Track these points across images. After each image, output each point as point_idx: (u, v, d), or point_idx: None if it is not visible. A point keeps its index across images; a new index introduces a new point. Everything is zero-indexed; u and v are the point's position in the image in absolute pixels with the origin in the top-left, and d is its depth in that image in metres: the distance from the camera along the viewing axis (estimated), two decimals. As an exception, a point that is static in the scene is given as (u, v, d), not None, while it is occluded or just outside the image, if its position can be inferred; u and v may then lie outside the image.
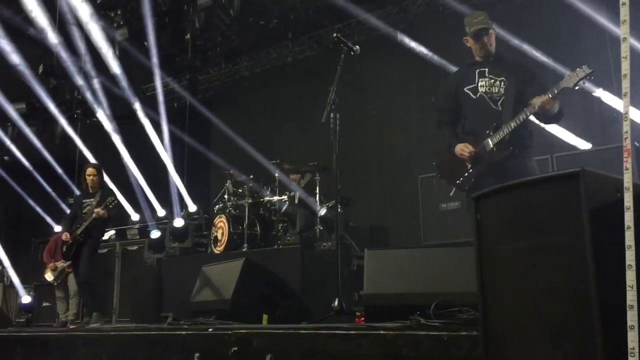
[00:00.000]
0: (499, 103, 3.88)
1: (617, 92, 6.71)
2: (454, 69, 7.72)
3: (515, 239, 1.67)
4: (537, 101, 3.65)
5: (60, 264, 7.61)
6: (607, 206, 1.50)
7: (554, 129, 6.94)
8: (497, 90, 3.90)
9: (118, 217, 6.98)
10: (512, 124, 3.76)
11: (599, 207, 1.48)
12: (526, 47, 6.97)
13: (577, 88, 3.57)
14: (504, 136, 3.78)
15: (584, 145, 6.80)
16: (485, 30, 3.97)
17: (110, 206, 6.42)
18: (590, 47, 6.87)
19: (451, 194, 4.14)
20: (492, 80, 3.93)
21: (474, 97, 3.97)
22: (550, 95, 3.63)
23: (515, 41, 6.98)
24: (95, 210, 6.43)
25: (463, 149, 3.93)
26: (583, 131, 6.86)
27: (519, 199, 1.68)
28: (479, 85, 3.96)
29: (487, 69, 3.97)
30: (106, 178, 7.23)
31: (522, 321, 1.62)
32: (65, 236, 6.53)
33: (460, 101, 4.07)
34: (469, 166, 3.94)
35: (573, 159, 5.98)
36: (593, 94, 6.70)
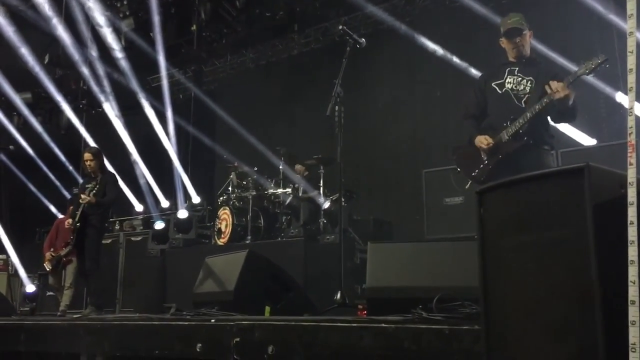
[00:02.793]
0: (523, 100, 3.92)
1: (623, 87, 6.68)
2: (460, 62, 7.79)
3: (518, 234, 1.66)
4: (553, 84, 3.65)
5: (56, 253, 7.65)
6: (611, 202, 1.50)
7: (559, 125, 6.92)
8: (522, 89, 3.96)
9: (112, 201, 6.74)
10: (529, 114, 3.79)
11: (603, 203, 1.48)
12: (532, 42, 6.93)
13: (592, 76, 3.64)
14: (520, 126, 3.81)
15: (589, 141, 6.77)
16: (518, 30, 4.01)
17: (93, 191, 6.34)
18: (597, 41, 6.84)
19: (467, 187, 4.16)
20: (520, 79, 3.99)
21: (500, 91, 4.03)
22: (566, 82, 3.64)
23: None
24: (82, 196, 6.39)
25: (482, 140, 3.97)
26: (588, 127, 6.83)
27: (523, 193, 1.68)
28: (506, 81, 4.02)
29: (517, 68, 4.03)
30: (107, 163, 7.15)
31: (524, 316, 1.62)
32: (67, 222, 6.55)
33: (487, 96, 4.13)
34: (485, 158, 3.98)
35: (578, 154, 5.97)
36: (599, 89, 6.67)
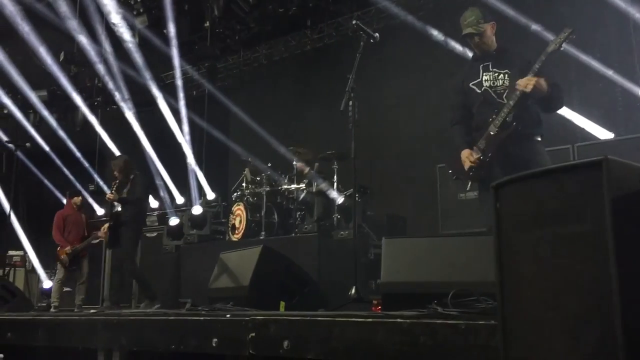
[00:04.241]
0: (503, 96, 3.89)
1: (641, 80, 6.60)
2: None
3: (535, 228, 1.65)
4: (520, 82, 3.69)
5: (73, 247, 7.76)
6: (630, 196, 1.48)
7: (576, 118, 6.86)
8: (501, 83, 3.93)
9: (136, 200, 6.95)
10: (511, 102, 3.77)
11: (622, 197, 1.46)
12: (547, 35, 6.87)
13: (561, 49, 3.67)
14: (506, 115, 3.79)
15: (605, 134, 6.69)
16: (471, 35, 4.01)
17: (116, 189, 6.85)
18: (613, 35, 6.76)
19: (468, 188, 4.14)
20: (496, 74, 3.95)
21: (479, 91, 4.00)
22: (532, 73, 3.67)
23: (536, 27, 6.89)
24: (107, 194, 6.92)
25: (467, 157, 3.95)
26: (605, 120, 6.76)
27: (539, 187, 1.66)
28: (484, 79, 3.98)
29: (490, 63, 4.00)
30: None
31: (541, 311, 1.61)
32: (103, 229, 7.06)
33: (467, 97, 4.10)
34: (480, 155, 3.92)
35: (595, 148, 5.91)
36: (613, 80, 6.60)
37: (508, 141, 3.81)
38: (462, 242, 3.48)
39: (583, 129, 6.81)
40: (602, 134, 6.73)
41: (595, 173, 1.49)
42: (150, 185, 7.31)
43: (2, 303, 6.10)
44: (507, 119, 3.78)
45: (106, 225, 7.11)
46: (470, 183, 4.14)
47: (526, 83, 3.66)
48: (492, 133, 3.83)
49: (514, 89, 3.78)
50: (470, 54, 4.36)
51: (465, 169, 3.98)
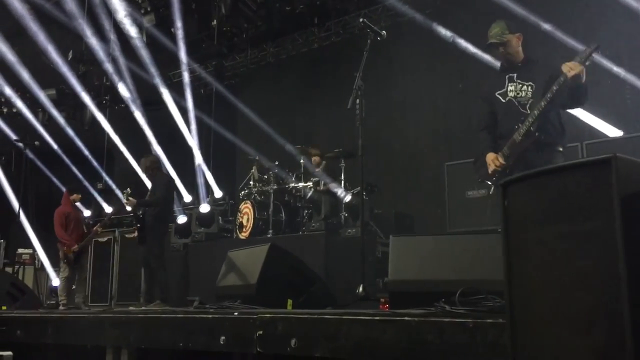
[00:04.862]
0: (527, 106, 3.97)
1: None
2: (481, 54, 7.69)
3: (544, 226, 1.64)
4: (567, 64, 3.69)
5: (77, 247, 7.84)
6: (639, 193, 1.47)
7: (584, 116, 6.81)
8: (524, 95, 4.01)
9: (155, 201, 7.16)
10: (536, 111, 3.83)
11: (631, 195, 1.45)
12: (559, 34, 6.85)
13: (587, 64, 3.71)
14: (530, 124, 3.86)
15: (614, 132, 6.65)
16: (495, 45, 4.11)
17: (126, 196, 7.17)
18: (623, 32, 6.71)
19: (491, 192, 4.22)
20: (521, 85, 4.04)
21: (503, 101, 4.09)
22: (557, 85, 3.71)
23: (546, 26, 6.86)
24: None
25: (493, 161, 4.05)
26: (614, 118, 6.71)
27: (548, 185, 1.66)
28: (508, 90, 4.08)
29: (516, 74, 4.08)
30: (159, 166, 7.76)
31: (550, 309, 1.60)
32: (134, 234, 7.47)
33: (493, 105, 4.20)
34: (504, 162, 4.01)
35: (603, 146, 5.87)
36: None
37: (530, 150, 3.89)
38: (470, 240, 3.47)
39: (592, 127, 6.76)
40: (611, 131, 6.68)
41: (605, 171, 1.49)
42: (172, 183, 7.38)
43: (12, 301, 6.15)
44: (532, 128, 3.86)
45: (100, 224, 7.76)
46: (493, 187, 4.21)
47: (571, 68, 3.67)
48: (516, 140, 3.93)
49: (539, 98, 3.87)
50: (479, 52, 4.38)
51: (490, 172, 4.07)
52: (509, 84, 4.08)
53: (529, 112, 3.93)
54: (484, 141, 4.24)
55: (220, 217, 8.73)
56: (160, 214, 7.07)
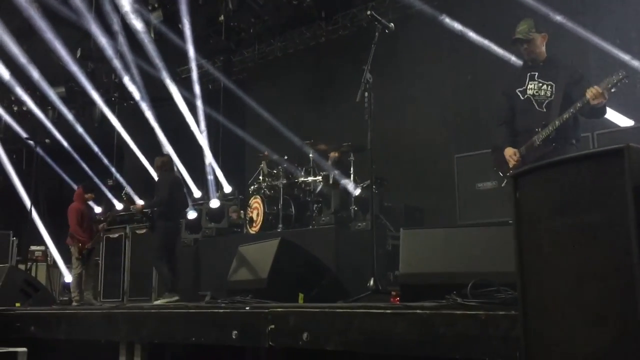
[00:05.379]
0: (544, 105, 4.09)
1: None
2: (490, 45, 7.65)
3: (555, 217, 1.63)
4: (592, 91, 3.76)
5: (90, 244, 7.92)
6: (652, 183, 1.46)
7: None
8: (543, 94, 4.11)
9: (157, 202, 7.40)
10: (557, 122, 3.94)
11: (644, 184, 1.44)
12: (570, 24, 6.80)
13: (613, 90, 3.78)
14: (550, 133, 3.97)
15: (625, 122, 6.59)
16: (520, 41, 4.20)
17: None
18: (633, 21, 6.66)
19: (503, 185, 4.30)
20: (541, 84, 4.14)
21: (522, 98, 4.21)
22: (603, 90, 3.75)
23: (560, 17, 6.80)
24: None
25: (511, 156, 4.13)
26: (625, 108, 6.66)
27: (559, 176, 1.65)
28: (528, 87, 4.18)
29: (537, 73, 4.19)
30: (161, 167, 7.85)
31: (562, 300, 1.60)
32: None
33: (512, 100, 4.30)
34: (520, 162, 4.11)
35: (614, 136, 5.83)
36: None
37: (546, 157, 3.90)
38: (481, 233, 3.45)
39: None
40: (622, 121, 6.62)
41: (617, 161, 1.48)
42: (175, 183, 7.51)
43: (26, 298, 6.19)
44: (550, 136, 3.96)
45: (104, 223, 8.26)
46: (505, 182, 4.28)
47: (595, 96, 3.74)
48: (535, 145, 4.02)
49: (558, 98, 3.98)
50: (488, 43, 4.39)
51: (510, 167, 4.15)
52: (530, 82, 4.17)
53: (545, 110, 4.04)
54: (501, 136, 4.34)
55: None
56: (164, 212, 7.24)
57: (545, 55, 4.21)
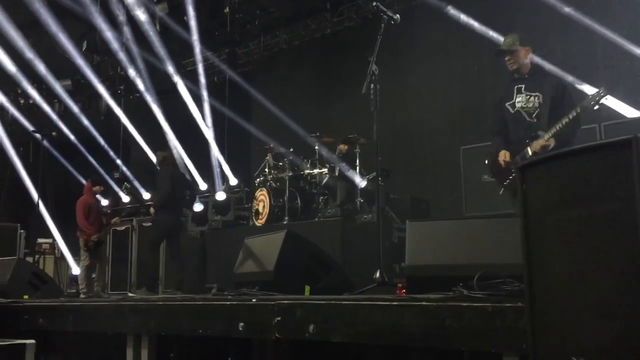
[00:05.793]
0: (533, 115, 4.36)
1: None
2: (497, 36, 7.60)
3: (562, 209, 1.63)
4: (535, 147, 4.15)
5: (97, 236, 7.95)
6: (661, 175, 1.45)
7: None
8: (532, 105, 4.38)
9: (161, 196, 7.45)
10: (546, 136, 4.17)
11: (652, 176, 1.43)
12: (579, 16, 6.76)
13: (596, 108, 4.09)
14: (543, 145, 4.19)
15: (632, 113, 6.56)
16: (502, 52, 4.46)
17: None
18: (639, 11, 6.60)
19: (500, 193, 4.54)
20: (528, 96, 4.40)
21: (512, 111, 4.47)
22: (543, 140, 4.13)
23: (568, 9, 6.76)
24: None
25: (502, 158, 4.40)
26: (631, 99, 6.62)
27: (566, 168, 1.64)
28: (516, 101, 4.45)
29: (523, 85, 4.45)
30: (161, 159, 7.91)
31: (570, 293, 1.59)
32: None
33: (503, 113, 4.56)
34: (514, 171, 4.26)
35: (621, 127, 5.81)
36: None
37: None
38: (487, 224, 3.44)
39: (609, 108, 6.66)
40: (629, 112, 6.59)
41: (625, 152, 1.47)
42: (174, 175, 7.53)
43: (33, 290, 6.22)
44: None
45: (117, 217, 8.45)
46: (502, 189, 4.52)
47: (538, 150, 4.13)
48: (527, 157, 4.22)
49: (546, 108, 4.25)
50: (494, 34, 4.43)
51: (502, 167, 4.39)
52: (517, 95, 4.43)
53: (535, 120, 4.30)
54: (495, 144, 4.58)
55: (236, 205, 8.79)
56: (161, 210, 7.35)
57: (529, 67, 4.45)
